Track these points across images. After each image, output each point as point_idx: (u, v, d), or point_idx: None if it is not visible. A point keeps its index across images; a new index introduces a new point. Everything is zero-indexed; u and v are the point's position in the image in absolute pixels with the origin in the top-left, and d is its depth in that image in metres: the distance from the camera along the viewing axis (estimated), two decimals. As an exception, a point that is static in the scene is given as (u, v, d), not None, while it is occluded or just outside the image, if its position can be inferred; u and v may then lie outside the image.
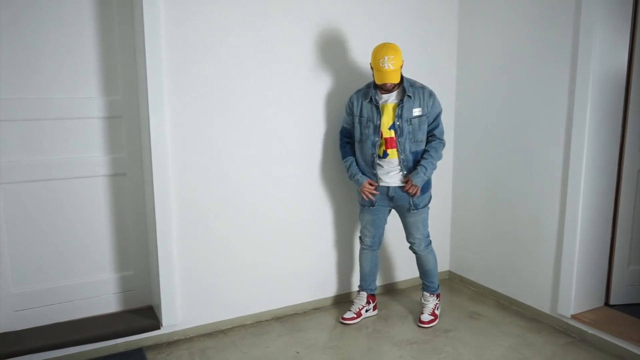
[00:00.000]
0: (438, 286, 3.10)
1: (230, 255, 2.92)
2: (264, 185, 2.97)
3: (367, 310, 3.11)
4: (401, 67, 2.71)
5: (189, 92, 2.68)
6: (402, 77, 2.77)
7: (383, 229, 3.05)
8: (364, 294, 3.12)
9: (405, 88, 2.75)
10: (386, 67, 2.65)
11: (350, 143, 2.98)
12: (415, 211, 2.87)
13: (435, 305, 3.06)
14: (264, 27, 2.83)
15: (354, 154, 2.95)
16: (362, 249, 3.10)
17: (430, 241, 3.02)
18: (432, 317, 3.01)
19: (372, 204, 2.92)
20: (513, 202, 3.20)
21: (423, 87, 2.81)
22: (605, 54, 2.69)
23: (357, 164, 2.92)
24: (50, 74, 2.54)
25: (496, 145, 3.28)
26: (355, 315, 3.06)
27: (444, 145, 2.87)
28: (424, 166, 2.78)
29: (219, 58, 2.73)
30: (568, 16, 2.78)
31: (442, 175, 3.54)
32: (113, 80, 2.69)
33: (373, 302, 3.14)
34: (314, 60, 3.01)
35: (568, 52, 2.79)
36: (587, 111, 2.70)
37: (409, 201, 2.85)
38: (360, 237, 3.09)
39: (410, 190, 2.80)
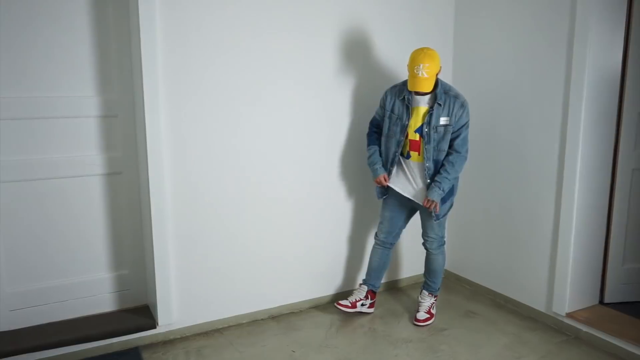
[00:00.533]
0: (439, 288, 3.11)
1: (227, 254, 2.91)
2: (260, 184, 2.96)
3: (362, 305, 3.10)
4: (437, 74, 2.71)
5: (185, 90, 2.67)
6: (437, 81, 2.75)
7: (400, 229, 3.07)
8: (365, 288, 3.13)
9: (438, 95, 2.73)
10: (420, 75, 2.64)
11: (378, 133, 3.00)
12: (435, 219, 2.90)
13: (432, 305, 3.07)
14: (262, 22, 2.82)
15: (378, 145, 2.98)
16: (374, 244, 3.14)
17: (445, 242, 3.04)
18: (428, 316, 3.02)
19: (383, 193, 2.98)
20: (508, 201, 3.21)
21: (457, 96, 2.75)
22: (600, 53, 2.70)
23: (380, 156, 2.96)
24: (45, 72, 2.53)
25: (492, 144, 3.29)
26: (349, 305, 3.05)
27: (464, 158, 2.79)
28: (439, 182, 2.75)
29: (216, 55, 2.72)
30: (563, 15, 2.79)
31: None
32: (108, 78, 2.68)
33: (371, 299, 3.13)
34: (314, 57, 3.01)
35: (563, 51, 2.80)
36: (582, 110, 2.71)
37: (431, 212, 2.86)
38: (376, 232, 3.13)
39: (429, 207, 2.80)
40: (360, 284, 3.17)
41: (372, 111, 3.20)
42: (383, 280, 3.49)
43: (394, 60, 3.25)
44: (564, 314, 2.89)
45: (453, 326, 2.99)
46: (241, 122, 2.86)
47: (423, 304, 3.05)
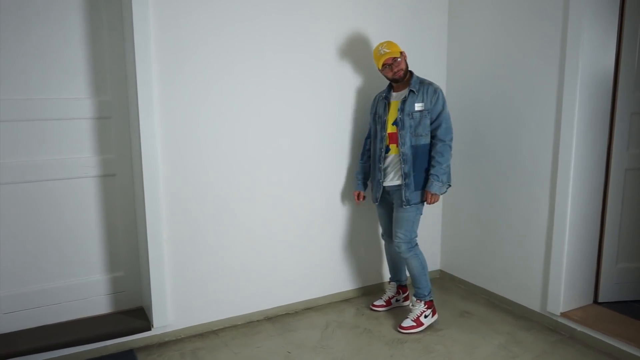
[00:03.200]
0: (429, 293, 2.97)
1: (222, 255, 2.91)
2: (255, 186, 2.96)
3: (397, 300, 3.24)
4: (401, 53, 2.83)
5: (179, 92, 2.67)
6: (412, 75, 2.89)
7: None
8: (394, 285, 3.25)
9: (412, 84, 2.85)
10: (382, 53, 2.81)
11: (368, 150, 3.11)
12: (405, 207, 2.84)
13: (422, 313, 2.95)
14: (257, 25, 2.82)
15: (364, 161, 3.13)
16: (384, 243, 3.26)
17: (415, 245, 2.92)
18: (414, 324, 2.92)
19: (376, 199, 3.03)
20: (503, 201, 3.22)
21: (431, 84, 2.86)
22: (593, 54, 2.72)
23: (370, 160, 3.08)
24: (39, 74, 2.52)
25: (486, 145, 3.30)
26: (384, 303, 3.21)
27: (449, 146, 2.82)
28: (435, 174, 2.80)
29: (210, 57, 2.72)
30: (556, 15, 2.80)
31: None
32: (102, 80, 2.67)
33: (404, 293, 3.26)
34: (310, 59, 3.01)
35: (557, 52, 2.81)
36: (575, 111, 2.72)
37: (402, 196, 2.85)
38: (381, 232, 3.22)
39: (431, 202, 2.83)
40: (389, 282, 3.28)
41: (364, 114, 3.22)
42: (378, 282, 3.50)
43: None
44: (558, 314, 2.90)
45: (448, 326, 3.00)
46: (236, 124, 2.85)
47: (413, 311, 2.97)
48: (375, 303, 3.21)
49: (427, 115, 2.81)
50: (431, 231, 3.69)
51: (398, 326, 2.95)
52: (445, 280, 3.70)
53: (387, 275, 3.54)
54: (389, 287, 3.26)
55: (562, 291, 2.87)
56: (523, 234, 3.11)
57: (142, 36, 2.50)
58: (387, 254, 3.25)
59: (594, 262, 2.98)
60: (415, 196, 2.85)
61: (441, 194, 2.87)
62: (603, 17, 2.71)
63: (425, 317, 2.96)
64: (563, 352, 2.71)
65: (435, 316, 3.01)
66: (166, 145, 2.67)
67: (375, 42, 3.21)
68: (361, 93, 3.22)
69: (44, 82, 2.54)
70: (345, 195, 3.28)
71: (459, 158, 3.50)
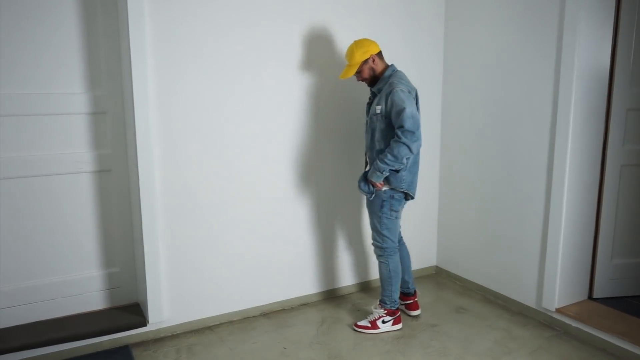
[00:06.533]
0: (390, 302, 2.86)
1: (217, 251, 2.91)
2: (251, 181, 2.96)
3: (401, 304, 3.11)
4: (364, 62, 2.69)
5: (174, 87, 2.66)
6: (384, 72, 2.73)
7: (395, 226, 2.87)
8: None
9: (378, 83, 2.74)
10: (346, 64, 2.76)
11: None
12: (369, 203, 2.79)
13: (380, 317, 2.86)
14: (253, 19, 2.81)
15: None
16: None
17: (384, 253, 2.82)
18: (368, 325, 2.86)
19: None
20: (499, 197, 3.23)
21: (392, 84, 2.63)
22: (588, 51, 2.72)
23: None
24: (33, 69, 2.51)
25: (482, 142, 3.31)
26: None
27: (402, 144, 2.53)
28: (377, 162, 2.62)
29: (205, 51, 2.71)
30: (552, 12, 2.80)
31: (429, 171, 3.57)
32: (97, 75, 2.66)
33: (404, 301, 3.09)
34: (304, 55, 3.00)
35: (553, 49, 2.82)
36: (571, 107, 2.73)
37: (367, 191, 2.75)
38: None
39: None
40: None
41: (360, 113, 3.21)
42: (366, 280, 3.50)
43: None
44: (553, 310, 2.91)
45: (444, 322, 3.01)
46: (232, 120, 2.85)
47: (373, 313, 2.90)
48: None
49: (383, 120, 2.63)
50: (427, 227, 3.69)
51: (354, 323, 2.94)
52: (441, 276, 3.71)
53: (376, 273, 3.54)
54: None
55: (557, 287, 2.88)
56: (519, 230, 3.12)
57: (137, 30, 2.49)
58: None
59: (589, 258, 2.99)
60: (375, 200, 2.74)
61: (375, 207, 2.73)
62: (599, 13, 2.71)
63: (384, 322, 2.86)
64: (558, 347, 2.72)
65: (398, 326, 2.89)
66: (162, 140, 2.66)
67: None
68: (358, 89, 3.21)
69: (39, 76, 2.52)
70: (342, 192, 3.28)
71: (455, 155, 3.51)
